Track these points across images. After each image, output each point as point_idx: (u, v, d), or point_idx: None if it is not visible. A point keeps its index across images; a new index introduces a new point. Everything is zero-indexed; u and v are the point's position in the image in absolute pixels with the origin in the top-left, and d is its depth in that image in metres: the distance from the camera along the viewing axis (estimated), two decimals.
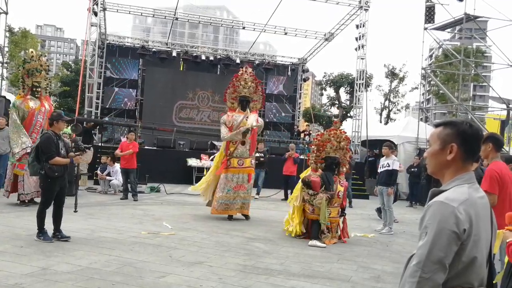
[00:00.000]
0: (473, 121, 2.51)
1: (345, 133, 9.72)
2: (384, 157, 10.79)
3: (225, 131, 10.79)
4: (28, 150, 10.48)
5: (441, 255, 1.90)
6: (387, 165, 10.49)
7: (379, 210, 11.70)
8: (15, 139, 10.54)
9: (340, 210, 9.12)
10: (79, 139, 15.64)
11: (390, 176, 10.47)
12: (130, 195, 13.11)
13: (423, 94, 53.79)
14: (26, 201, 10.64)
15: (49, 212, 7.27)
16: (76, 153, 7.59)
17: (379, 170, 10.93)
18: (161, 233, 8.35)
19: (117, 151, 13.72)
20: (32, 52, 11.25)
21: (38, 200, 10.59)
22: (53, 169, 7.09)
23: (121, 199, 12.94)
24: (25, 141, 10.45)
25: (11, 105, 10.68)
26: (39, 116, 10.85)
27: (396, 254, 8.11)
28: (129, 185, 13.23)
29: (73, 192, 8.90)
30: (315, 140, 9.73)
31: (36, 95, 10.95)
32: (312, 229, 8.76)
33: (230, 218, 10.73)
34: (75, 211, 7.87)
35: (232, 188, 10.60)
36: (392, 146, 11.16)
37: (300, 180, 9.36)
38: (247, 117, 10.87)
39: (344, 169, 9.54)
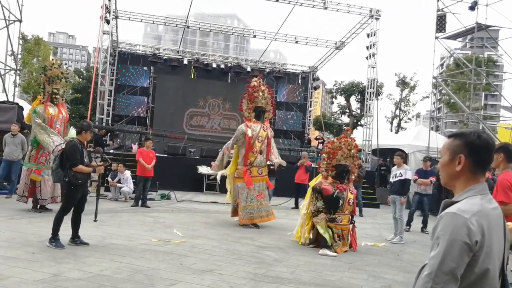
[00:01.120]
0: (483, 132, 2.48)
1: (355, 140, 9.77)
2: (396, 166, 10.80)
3: (229, 144, 11.53)
4: (63, 146, 10.59)
5: (453, 266, 1.90)
6: (400, 174, 10.51)
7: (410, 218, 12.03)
8: (46, 140, 10.52)
9: (350, 217, 9.11)
10: (102, 150, 15.79)
11: (403, 186, 10.49)
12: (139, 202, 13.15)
13: (434, 103, 53.66)
14: (45, 205, 10.73)
15: (67, 219, 7.32)
16: (99, 163, 7.74)
17: (391, 180, 10.93)
18: (172, 240, 8.35)
19: (141, 160, 13.38)
20: (53, 60, 11.40)
21: (49, 207, 10.74)
22: (77, 176, 7.19)
23: (132, 206, 12.98)
24: (56, 139, 10.40)
25: (31, 111, 10.74)
26: (57, 123, 10.93)
27: (407, 264, 8.06)
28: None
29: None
30: (326, 147, 9.75)
31: (55, 102, 11.06)
32: (322, 238, 8.74)
33: (256, 226, 10.87)
34: (95, 220, 7.94)
35: (255, 196, 10.86)
36: (404, 156, 11.16)
37: (310, 188, 9.36)
38: (264, 128, 11.24)
39: (353, 176, 9.53)
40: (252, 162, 10.94)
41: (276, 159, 11.80)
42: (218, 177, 11.73)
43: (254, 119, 11.27)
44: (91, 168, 7.47)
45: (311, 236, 9.02)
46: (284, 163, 12.06)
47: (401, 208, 10.47)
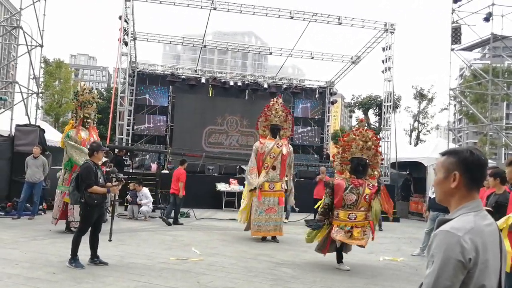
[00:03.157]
0: (476, 149, 2.51)
1: (373, 132, 9.26)
2: None
3: (250, 165, 11.76)
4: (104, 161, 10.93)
5: (447, 284, 1.93)
6: None
7: None
8: (84, 158, 10.88)
9: (366, 214, 8.57)
10: (117, 170, 16.02)
11: None
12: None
13: (454, 114, 53.18)
14: (71, 228, 10.80)
15: (85, 238, 7.47)
16: (114, 183, 7.92)
17: (431, 195, 10.66)
18: (190, 258, 8.45)
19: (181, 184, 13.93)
20: (84, 85, 11.75)
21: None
22: (93, 197, 7.38)
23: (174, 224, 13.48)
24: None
25: (64, 136, 11.07)
26: (88, 146, 11.18)
27: None
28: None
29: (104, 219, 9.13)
30: (340, 140, 9.27)
31: (86, 126, 11.37)
32: (335, 250, 8.67)
33: (263, 239, 11.27)
34: (110, 240, 8.09)
35: (264, 210, 11.18)
36: None
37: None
38: (279, 145, 11.49)
39: (376, 172, 8.93)
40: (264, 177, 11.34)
41: (290, 186, 12.06)
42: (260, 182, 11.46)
43: (270, 137, 11.64)
44: (106, 188, 7.64)
45: (317, 240, 8.79)
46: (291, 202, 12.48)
47: None
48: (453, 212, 2.17)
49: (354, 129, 9.37)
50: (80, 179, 7.45)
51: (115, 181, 8.09)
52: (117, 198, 8.47)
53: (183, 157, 18.23)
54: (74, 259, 7.26)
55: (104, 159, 12.32)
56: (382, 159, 9.44)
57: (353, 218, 8.37)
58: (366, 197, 8.45)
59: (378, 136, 9.22)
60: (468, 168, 2.16)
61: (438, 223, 2.14)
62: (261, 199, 11.17)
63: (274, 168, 11.38)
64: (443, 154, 2.31)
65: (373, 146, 8.83)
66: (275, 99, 12.23)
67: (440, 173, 2.25)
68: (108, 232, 8.07)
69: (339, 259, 8.62)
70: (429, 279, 1.98)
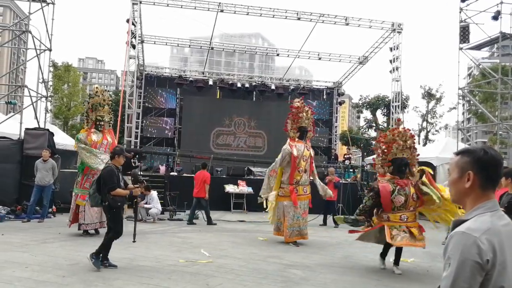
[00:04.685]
0: (490, 148, 2.44)
1: (410, 130, 9.20)
2: None
3: (274, 166, 11.50)
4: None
5: (465, 286, 1.88)
6: None
7: None
8: (94, 161, 10.74)
9: (417, 214, 8.59)
10: (138, 172, 16.12)
11: None
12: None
13: (463, 113, 52.93)
14: (88, 230, 10.87)
15: (96, 240, 7.49)
16: (135, 185, 8.12)
17: None
18: (199, 261, 8.43)
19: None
20: (96, 88, 11.75)
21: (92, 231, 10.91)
22: (116, 199, 7.49)
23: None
24: (104, 158, 10.56)
25: (75, 138, 11.15)
26: (101, 149, 11.08)
27: (437, 280, 7.89)
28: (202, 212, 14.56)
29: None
30: (378, 142, 9.14)
31: (99, 129, 11.31)
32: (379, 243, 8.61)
33: (296, 244, 10.99)
34: (134, 241, 8.16)
35: (300, 214, 11.06)
36: None
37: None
38: (307, 147, 11.50)
39: (414, 169, 8.77)
40: (298, 181, 11.15)
41: (321, 190, 11.76)
42: (271, 198, 11.35)
43: (297, 139, 11.51)
44: (128, 191, 7.72)
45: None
46: (329, 194, 12.01)
47: None
48: (468, 212, 2.12)
49: (391, 129, 9.21)
50: (102, 182, 7.51)
51: (138, 183, 8.22)
52: (134, 200, 8.57)
53: (192, 159, 18.33)
54: (96, 256, 7.30)
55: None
56: (418, 155, 9.20)
57: (405, 219, 8.30)
58: (414, 196, 8.38)
59: (412, 133, 9.15)
60: (482, 167, 2.12)
61: (453, 224, 2.10)
62: (297, 204, 10.97)
63: (305, 171, 11.31)
64: (457, 153, 2.26)
65: (412, 144, 8.86)
66: (298, 100, 11.99)
67: (454, 172, 2.20)
68: (129, 234, 8.12)
69: (385, 255, 8.62)
70: (446, 282, 1.93)
